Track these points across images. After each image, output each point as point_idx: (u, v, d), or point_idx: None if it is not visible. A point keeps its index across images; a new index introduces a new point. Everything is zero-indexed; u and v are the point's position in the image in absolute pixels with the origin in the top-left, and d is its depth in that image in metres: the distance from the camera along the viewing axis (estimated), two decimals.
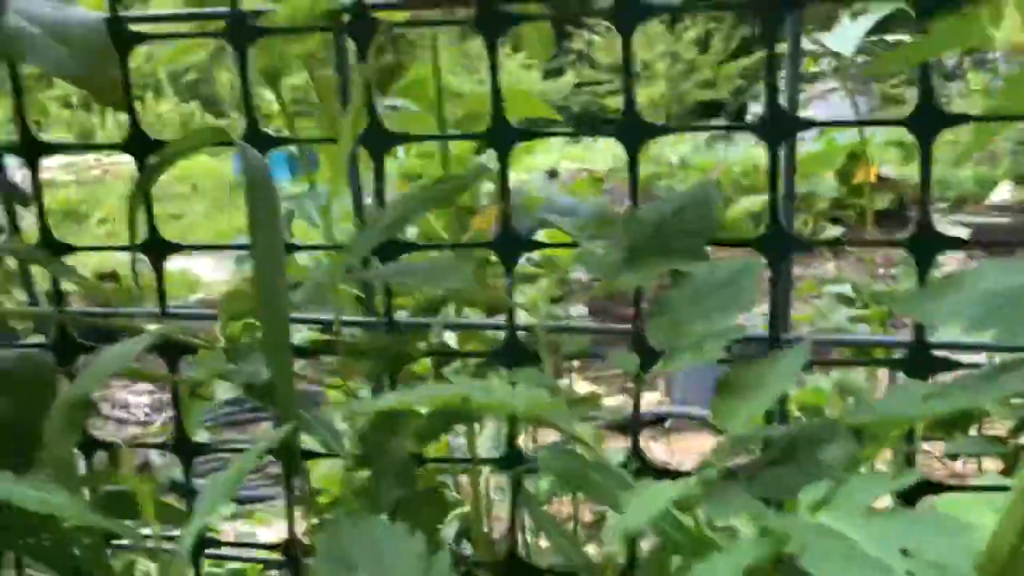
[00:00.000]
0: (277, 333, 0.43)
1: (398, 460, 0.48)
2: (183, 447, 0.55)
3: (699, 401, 2.01)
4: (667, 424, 2.15)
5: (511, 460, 0.50)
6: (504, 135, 0.47)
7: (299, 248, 0.50)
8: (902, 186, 4.28)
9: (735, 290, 0.40)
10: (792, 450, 0.38)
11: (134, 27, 0.49)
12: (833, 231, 3.63)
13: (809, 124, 0.44)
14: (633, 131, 0.45)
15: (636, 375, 0.42)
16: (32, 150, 0.52)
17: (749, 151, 4.18)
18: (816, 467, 0.36)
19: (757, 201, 3.68)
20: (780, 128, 0.44)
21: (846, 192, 3.74)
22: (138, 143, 0.50)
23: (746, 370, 0.38)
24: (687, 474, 0.50)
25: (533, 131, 0.47)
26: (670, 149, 4.29)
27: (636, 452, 0.50)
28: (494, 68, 0.46)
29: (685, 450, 1.94)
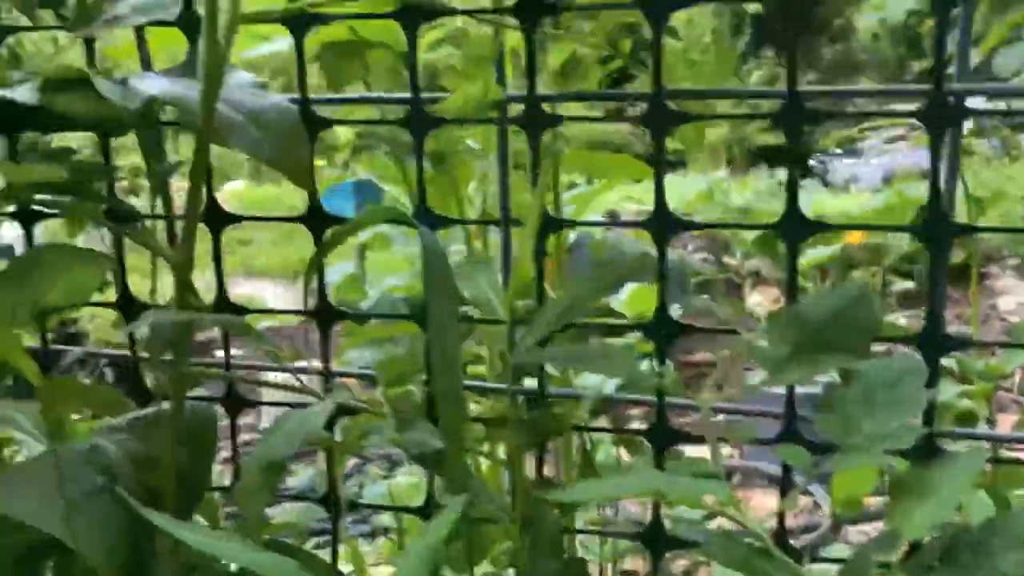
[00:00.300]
0: (452, 407, 0.46)
1: (551, 530, 0.50)
2: (332, 503, 0.58)
3: (771, 457, 1.98)
4: (735, 480, 2.13)
5: (654, 534, 0.52)
6: (665, 223, 0.49)
7: (473, 321, 0.52)
8: (974, 241, 4.18)
9: (903, 390, 0.41)
10: (954, 554, 0.39)
11: (321, 110, 0.53)
12: (903, 285, 3.57)
13: (973, 229, 0.46)
14: (795, 229, 0.47)
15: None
16: (215, 220, 0.56)
17: (816, 200, 4.14)
18: (989, 573, 0.37)
19: (825, 253, 3.64)
20: (944, 229, 0.45)
21: (917, 246, 3.68)
22: (316, 217, 0.54)
23: (921, 472, 0.39)
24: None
25: (693, 222, 0.49)
26: (736, 195, 4.28)
27: (782, 527, 0.51)
28: (659, 161, 0.49)
29: (758, 508, 1.92)
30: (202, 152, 0.48)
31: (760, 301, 3.85)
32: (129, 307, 0.59)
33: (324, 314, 0.55)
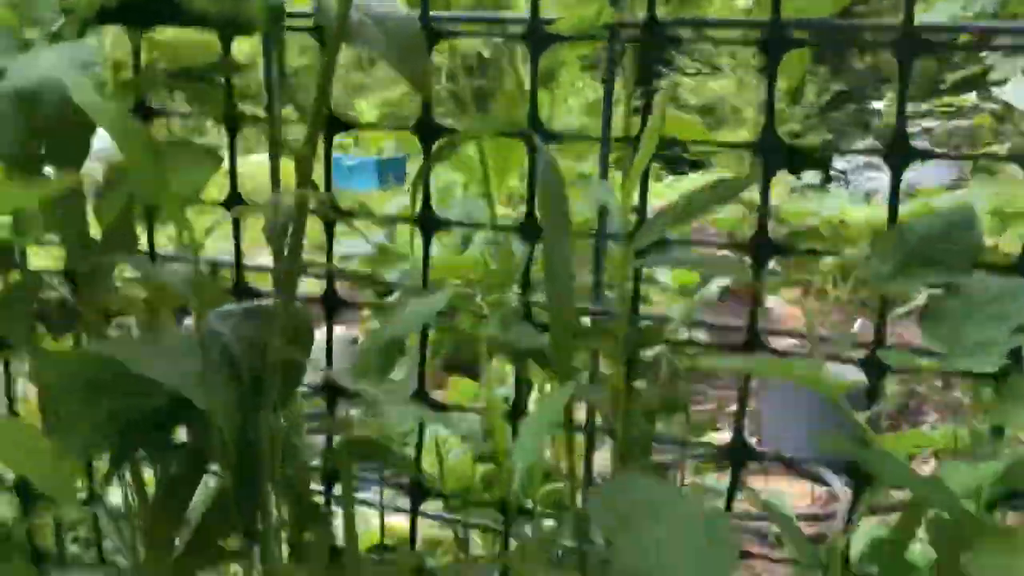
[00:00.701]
0: (564, 306, 0.49)
1: (641, 434, 0.52)
2: (420, 397, 0.60)
3: (789, 443, 2.00)
4: (752, 465, 2.15)
5: (737, 449, 0.54)
6: (769, 145, 0.51)
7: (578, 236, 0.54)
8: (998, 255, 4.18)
9: (1006, 305, 0.43)
10: None
11: (438, 25, 0.55)
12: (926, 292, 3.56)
13: None
14: (899, 155, 0.49)
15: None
16: (330, 126, 0.58)
17: (841, 207, 4.14)
18: None
19: (852, 256, 3.64)
20: None
21: None
22: (426, 127, 0.56)
23: None
24: None
25: (798, 146, 0.51)
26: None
27: None
28: (771, 84, 0.51)
29: (775, 493, 1.93)
30: (333, 51, 0.50)
31: (779, 300, 3.86)
32: (235, 206, 0.61)
33: (427, 222, 0.57)
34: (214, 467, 0.60)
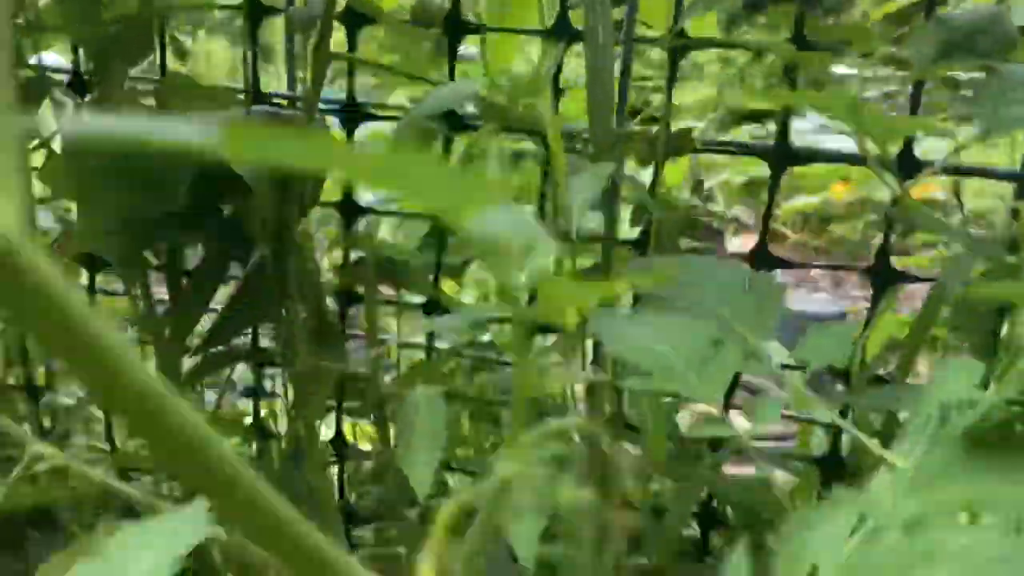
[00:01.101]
0: (605, 102, 0.49)
1: (668, 246, 0.53)
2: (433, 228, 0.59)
3: None
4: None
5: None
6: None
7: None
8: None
9: None
10: None
11: None
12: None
13: None
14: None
15: None
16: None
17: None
18: None
19: (809, 203, 3.71)
20: None
21: None
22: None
23: None
24: None
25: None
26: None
27: None
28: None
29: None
30: None
31: (741, 245, 3.93)
32: (257, 10, 0.59)
33: (454, 25, 0.56)
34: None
